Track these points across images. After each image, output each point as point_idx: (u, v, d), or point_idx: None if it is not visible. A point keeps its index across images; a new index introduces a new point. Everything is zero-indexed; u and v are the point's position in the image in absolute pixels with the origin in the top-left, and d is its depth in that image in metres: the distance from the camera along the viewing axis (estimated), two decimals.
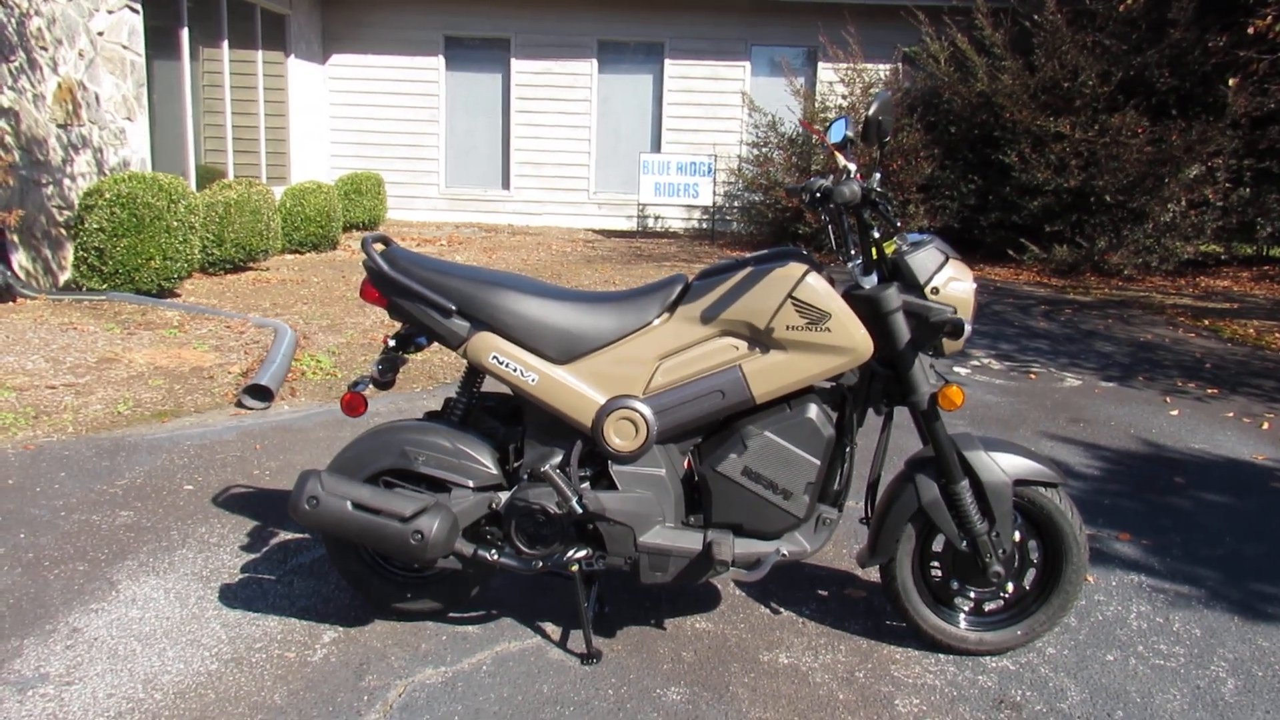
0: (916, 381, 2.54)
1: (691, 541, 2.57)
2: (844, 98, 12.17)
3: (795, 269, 2.50)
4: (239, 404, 4.85)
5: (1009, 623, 2.74)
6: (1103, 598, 3.13)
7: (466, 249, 11.55)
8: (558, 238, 12.97)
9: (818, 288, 2.48)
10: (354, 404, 2.64)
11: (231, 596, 2.94)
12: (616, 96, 13.75)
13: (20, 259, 7.47)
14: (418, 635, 2.76)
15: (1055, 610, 2.70)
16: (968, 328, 2.43)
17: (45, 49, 7.61)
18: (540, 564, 2.57)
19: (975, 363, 6.51)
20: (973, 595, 2.74)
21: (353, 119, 13.79)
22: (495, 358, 2.55)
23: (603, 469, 2.61)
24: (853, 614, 2.97)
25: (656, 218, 13.95)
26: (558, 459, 2.60)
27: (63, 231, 7.84)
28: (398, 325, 2.73)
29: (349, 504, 2.44)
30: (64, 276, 7.88)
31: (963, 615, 2.75)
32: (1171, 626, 2.95)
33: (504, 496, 2.61)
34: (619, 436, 2.55)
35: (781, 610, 2.99)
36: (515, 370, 2.55)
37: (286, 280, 8.89)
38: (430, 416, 2.82)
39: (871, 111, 2.32)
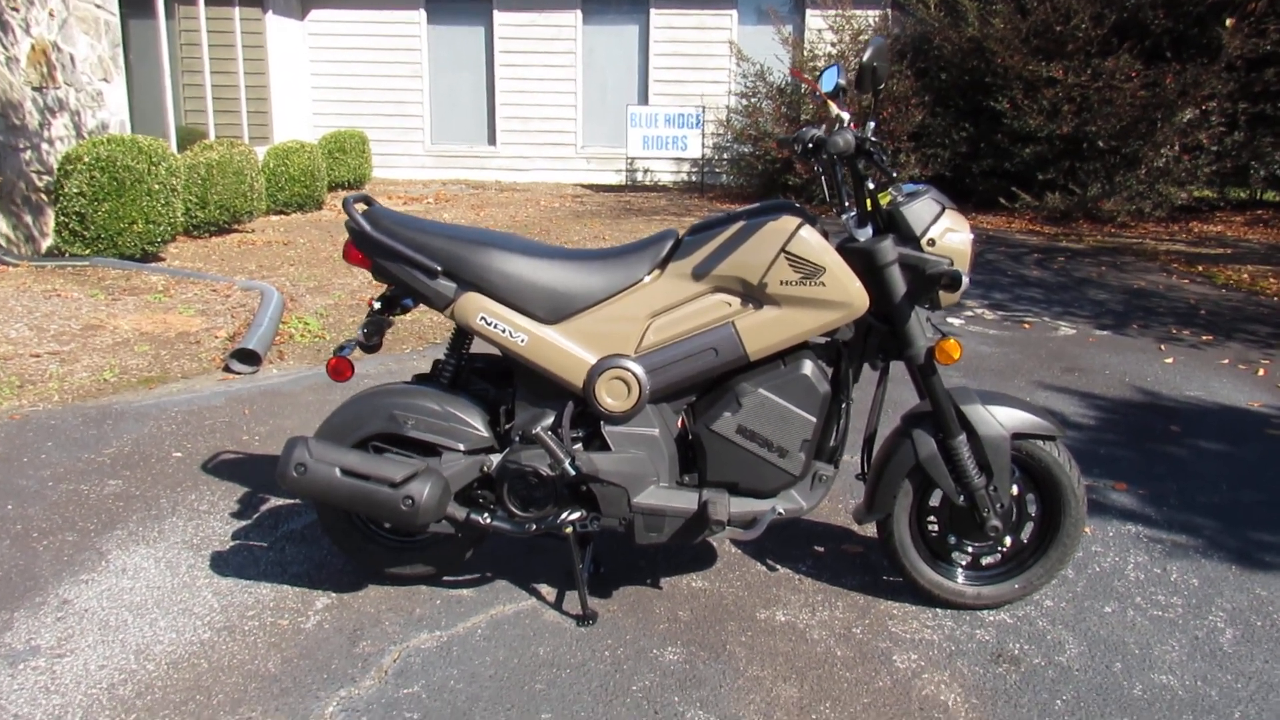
0: (913, 335, 2.50)
1: (686, 501, 2.54)
2: (833, 45, 11.99)
3: (788, 222, 2.44)
4: (226, 369, 4.79)
5: (1006, 576, 2.73)
6: (1100, 549, 3.12)
7: (454, 206, 11.41)
8: (546, 193, 12.84)
9: (812, 241, 2.43)
10: (340, 368, 2.59)
11: (223, 564, 2.91)
12: (602, 48, 13.54)
13: (1, 226, 7.35)
14: (411, 600, 2.73)
15: (1053, 563, 2.69)
16: (965, 279, 2.38)
17: (16, 9, 7.42)
18: (534, 526, 2.54)
19: (969, 313, 6.47)
20: (970, 550, 2.72)
21: (334, 76, 13.56)
22: (483, 318, 2.49)
23: (595, 430, 2.57)
24: (850, 570, 2.96)
25: (646, 171, 13.81)
26: (549, 420, 2.56)
27: (43, 197, 7.70)
28: (383, 287, 2.67)
29: (337, 470, 2.40)
30: (46, 243, 7.76)
31: (960, 570, 2.74)
32: (1169, 577, 2.95)
33: (496, 459, 2.58)
34: (611, 396, 2.50)
35: (778, 567, 2.97)
36: (504, 331, 2.49)
37: (272, 242, 8.78)
38: (419, 379, 2.77)
39: (866, 57, 2.25)
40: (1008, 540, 2.71)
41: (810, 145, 2.40)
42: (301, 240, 8.92)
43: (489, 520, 2.54)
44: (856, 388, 2.67)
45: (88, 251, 7.06)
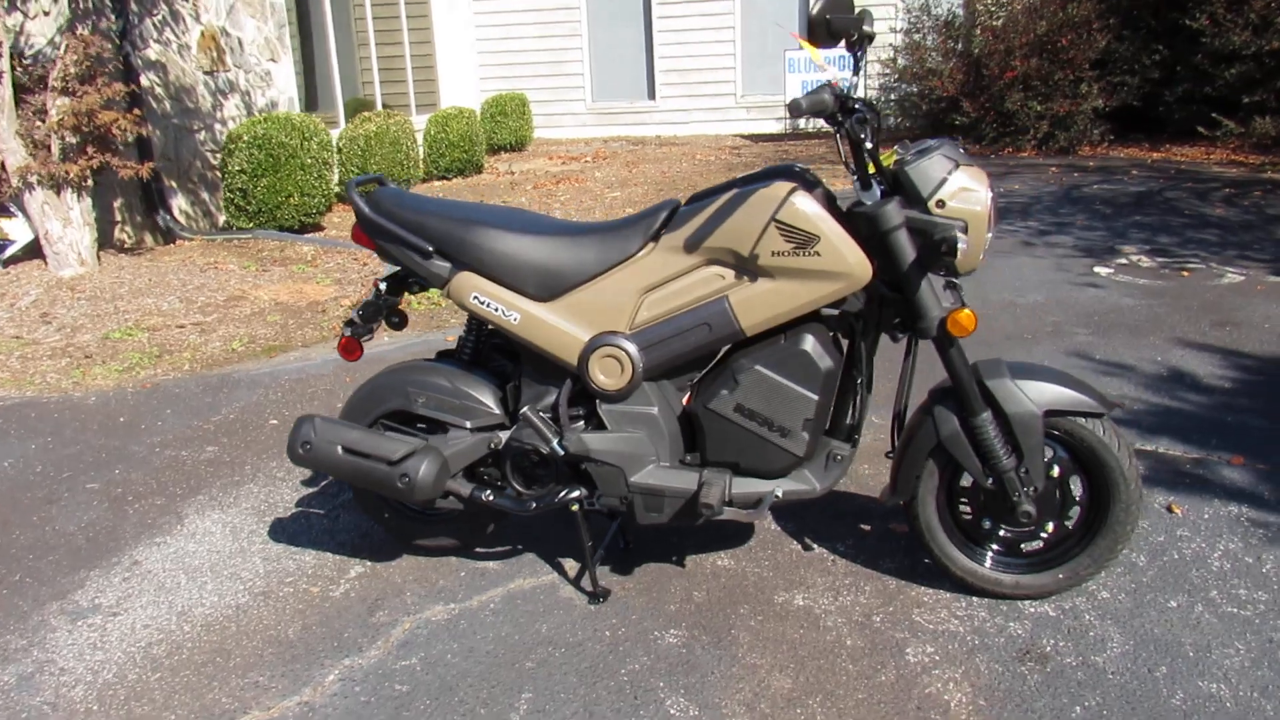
0: (924, 306, 2.30)
1: (687, 481, 2.46)
2: None
3: (779, 189, 2.29)
4: None
5: (1049, 565, 2.49)
6: (1187, 533, 2.79)
7: (610, 164, 11.48)
8: (704, 146, 12.68)
9: (803, 208, 2.27)
10: (349, 347, 2.66)
11: (279, 531, 3.09)
12: None
13: (181, 203, 8.01)
14: (439, 571, 2.81)
15: (1102, 552, 2.43)
16: (961, 244, 2.16)
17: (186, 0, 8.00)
18: (535, 505, 2.54)
19: (1122, 260, 5.91)
20: (1007, 535, 2.50)
21: (498, 39, 13.87)
22: (476, 297, 2.49)
23: (595, 407, 2.53)
24: (890, 551, 2.79)
25: (809, 118, 13.34)
26: (552, 398, 2.54)
27: (216, 175, 8.33)
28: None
29: (339, 448, 2.48)
30: (222, 218, 8.41)
31: (995, 556, 2.53)
32: (1261, 569, 2.61)
33: (504, 436, 2.59)
34: (605, 374, 2.45)
35: (815, 546, 2.84)
36: (497, 310, 2.48)
37: None
38: (442, 355, 2.81)
39: (815, 11, 2.05)
40: (1050, 526, 2.47)
41: (790, 108, 2.22)
42: None
43: (491, 498, 2.56)
44: (892, 360, 2.49)
45: (250, 225, 7.60)
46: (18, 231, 6.06)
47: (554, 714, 2.19)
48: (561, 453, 2.45)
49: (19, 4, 6.21)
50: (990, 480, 2.40)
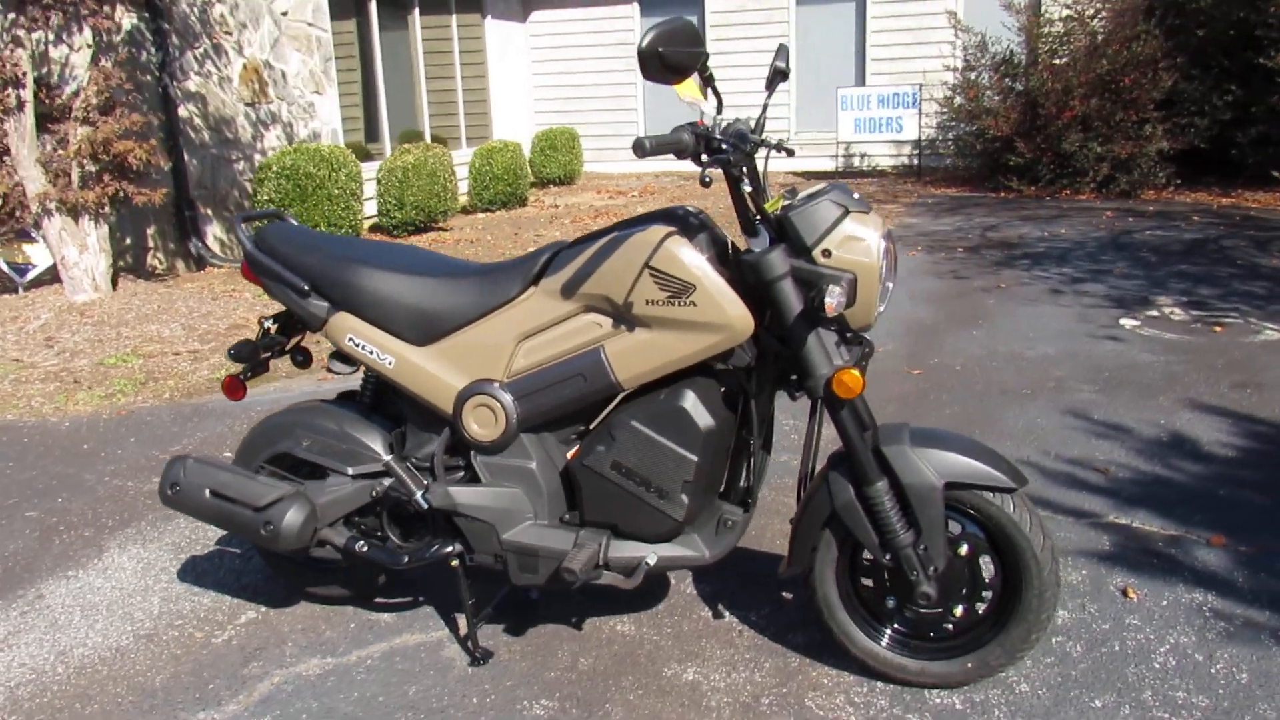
0: (810, 363, 2.11)
1: (562, 541, 2.31)
2: (1067, 6, 10.75)
3: (655, 233, 2.14)
4: (327, 369, 5.01)
5: (957, 652, 2.26)
6: (1137, 621, 2.52)
7: (656, 199, 11.42)
8: None
9: (679, 255, 2.11)
10: (232, 386, 2.59)
11: (189, 569, 3.01)
12: (817, 29, 12.98)
13: (215, 231, 8.18)
14: (329, 621, 2.69)
15: (1015, 642, 2.19)
16: (832, 298, 1.97)
17: (229, 33, 8.21)
18: (408, 559, 2.40)
19: (1152, 312, 5.56)
20: (911, 616, 2.28)
21: (552, 74, 13.97)
22: (351, 339, 2.39)
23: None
24: (805, 623, 2.58)
25: (862, 156, 13.11)
26: (431, 447, 2.41)
27: (251, 204, 8.49)
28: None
29: (207, 491, 2.40)
30: None
31: (899, 638, 2.30)
32: (1209, 668, 2.32)
33: (387, 485, 2.47)
34: (479, 424, 2.32)
35: (726, 614, 2.65)
36: (372, 353, 2.38)
37: (461, 240, 9.17)
38: (344, 396, 2.71)
39: (645, 44, 1.88)
40: (959, 609, 2.24)
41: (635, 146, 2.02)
42: (489, 238, 9.25)
43: (366, 549, 2.44)
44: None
45: None
46: (39, 256, 6.23)
47: None
48: (425, 505, 2.32)
49: (64, 38, 6.42)
50: (888, 556, 2.19)
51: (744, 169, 2.06)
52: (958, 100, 11.55)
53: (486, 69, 12.74)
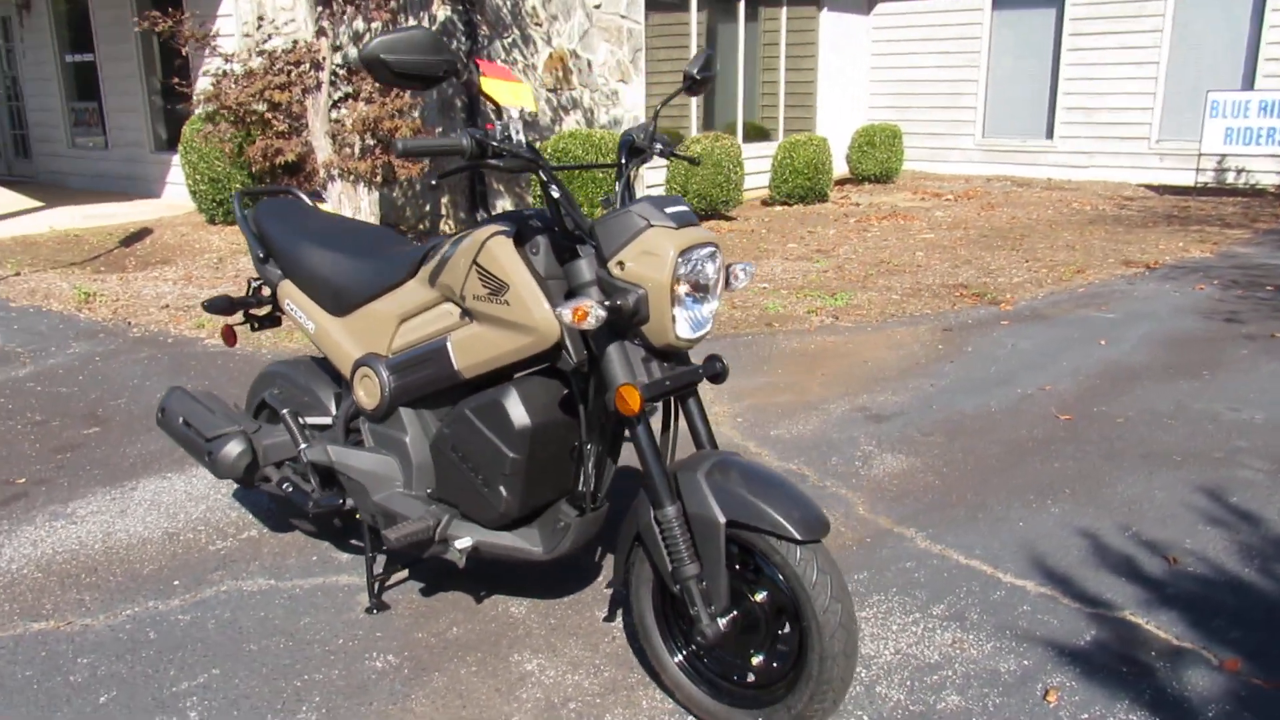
0: (607, 375, 2.06)
1: (415, 512, 2.44)
2: None
3: (483, 232, 2.19)
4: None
5: (754, 704, 2.09)
6: None
7: (967, 204, 10.73)
8: (1094, 194, 11.29)
9: (498, 254, 2.15)
10: (226, 334, 2.99)
11: (237, 488, 3.52)
12: (1199, 20, 11.33)
13: (505, 204, 9.03)
14: (303, 551, 3.02)
15: (802, 707, 1.99)
16: (592, 315, 1.90)
17: (540, 25, 8.98)
18: (312, 505, 2.66)
19: None
20: (718, 656, 2.14)
21: (891, 69, 13.52)
22: (289, 304, 2.68)
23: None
24: None
25: (1240, 171, 11.29)
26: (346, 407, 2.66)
27: None
28: None
29: (181, 419, 2.82)
30: None
31: (709, 678, 2.17)
32: None
33: None
34: (364, 393, 2.51)
35: (616, 620, 2.62)
36: (300, 318, 2.65)
37: (740, 230, 9.31)
38: None
39: (368, 49, 1.87)
40: (757, 658, 2.08)
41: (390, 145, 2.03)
42: (766, 230, 9.30)
43: (290, 490, 2.73)
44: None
45: None
46: None
47: (219, 692, 2.33)
48: (304, 459, 2.56)
49: (356, 25, 7.46)
50: (677, 587, 2.08)
51: (550, 176, 2.05)
52: None
53: (816, 62, 12.65)
